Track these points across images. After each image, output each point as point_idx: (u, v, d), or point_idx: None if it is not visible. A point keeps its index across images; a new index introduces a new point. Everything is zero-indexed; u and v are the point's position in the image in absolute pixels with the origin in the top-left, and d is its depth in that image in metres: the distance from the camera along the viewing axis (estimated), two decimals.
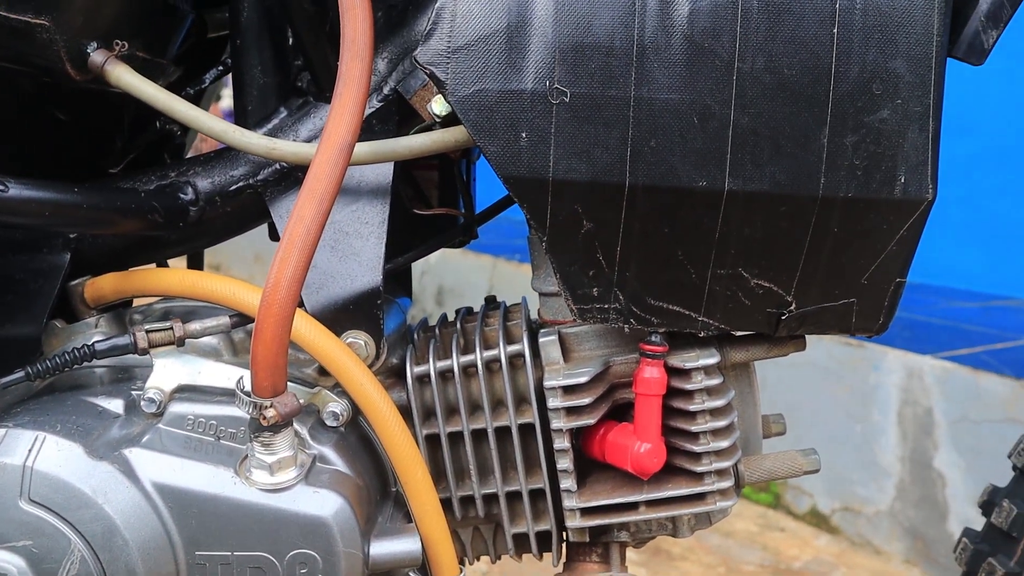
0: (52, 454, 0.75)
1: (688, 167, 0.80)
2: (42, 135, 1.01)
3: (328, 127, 0.78)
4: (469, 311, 1.03)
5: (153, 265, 1.02)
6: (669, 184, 0.81)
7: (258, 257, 4.59)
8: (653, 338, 0.88)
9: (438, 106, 0.88)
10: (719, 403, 0.90)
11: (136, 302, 0.99)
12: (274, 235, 1.08)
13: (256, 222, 0.98)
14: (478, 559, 0.99)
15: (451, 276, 3.64)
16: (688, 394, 0.89)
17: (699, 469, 0.90)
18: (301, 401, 0.78)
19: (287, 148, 0.87)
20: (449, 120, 0.87)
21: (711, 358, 0.89)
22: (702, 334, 0.88)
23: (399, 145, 0.88)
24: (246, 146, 0.87)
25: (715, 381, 0.89)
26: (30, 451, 0.75)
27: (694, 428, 0.89)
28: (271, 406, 0.75)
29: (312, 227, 0.76)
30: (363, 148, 0.85)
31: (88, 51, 0.87)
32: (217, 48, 1.12)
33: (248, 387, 0.76)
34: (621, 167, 0.81)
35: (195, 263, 1.16)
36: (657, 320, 0.87)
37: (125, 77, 0.87)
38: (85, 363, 0.84)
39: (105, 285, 0.92)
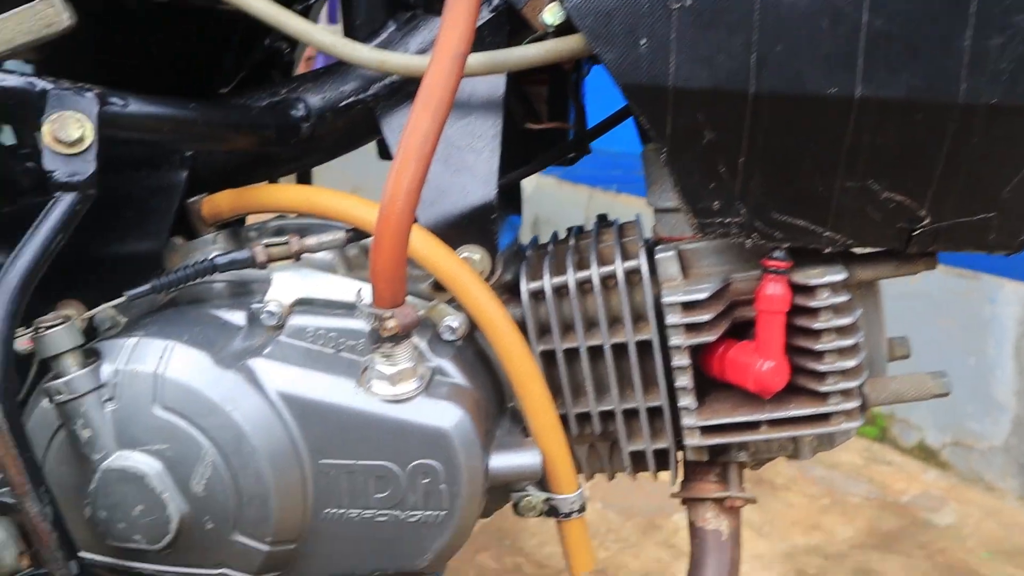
0: (181, 362, 0.77)
1: (817, 73, 0.76)
2: (154, 57, 1.02)
3: (441, 37, 0.76)
4: (581, 229, 1.01)
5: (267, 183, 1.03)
6: (796, 91, 0.77)
7: (356, 189, 4.62)
8: (776, 253, 0.85)
9: (550, 15, 0.85)
10: (845, 321, 0.86)
11: (249, 220, 1.00)
12: (383, 153, 1.07)
13: (366, 139, 0.97)
14: (593, 477, 0.99)
15: (547, 206, 3.61)
16: (813, 312, 0.86)
17: (823, 389, 0.87)
18: (420, 313, 0.77)
19: (398, 60, 0.86)
20: (561, 30, 0.84)
21: (838, 275, 0.86)
22: (828, 250, 0.84)
23: (512, 55, 0.86)
24: (356, 59, 0.86)
25: (841, 299, 0.86)
26: (160, 359, 0.77)
27: (819, 347, 0.86)
28: (391, 317, 0.75)
29: (428, 137, 0.74)
30: (476, 58, 0.84)
31: None
32: None
33: (368, 299, 0.76)
34: (745, 74, 0.78)
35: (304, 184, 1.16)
36: (781, 234, 0.84)
37: None
38: (206, 277, 0.85)
39: (222, 202, 0.92)
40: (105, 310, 0.84)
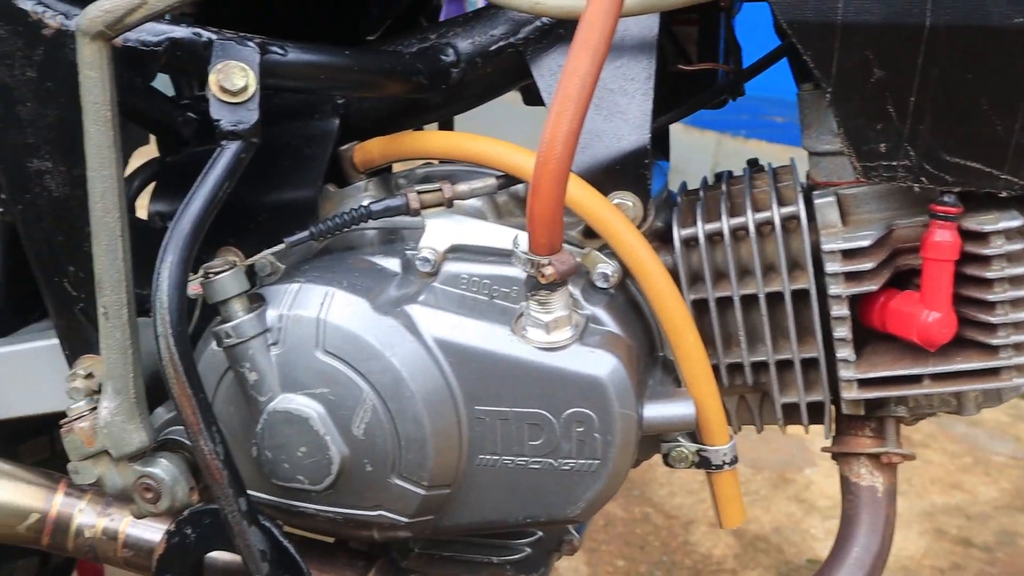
0: (342, 308, 0.78)
1: (1000, 2, 0.71)
2: (300, 4, 1.03)
3: None
4: (731, 174, 0.98)
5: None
6: (976, 22, 0.72)
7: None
8: (946, 198, 0.81)
9: None
10: (1020, 271, 0.81)
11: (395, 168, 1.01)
12: (529, 99, 1.06)
13: (514, 84, 0.96)
14: (740, 429, 0.97)
15: (674, 153, 3.54)
16: (985, 260, 0.82)
17: (994, 342, 0.83)
18: (577, 260, 0.77)
19: (552, 2, 0.84)
20: None
21: (1013, 220, 0.81)
22: (1003, 194, 0.79)
23: None
24: (509, 2, 0.85)
25: (1017, 246, 0.81)
26: (322, 304, 0.78)
27: (991, 297, 0.82)
28: (549, 263, 0.75)
29: (587, 80, 0.73)
30: None
31: None
32: None
33: (524, 246, 0.76)
34: (920, 6, 0.73)
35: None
36: (952, 178, 0.79)
37: None
38: (361, 223, 0.86)
39: (374, 149, 0.93)
40: (265, 256, 0.85)
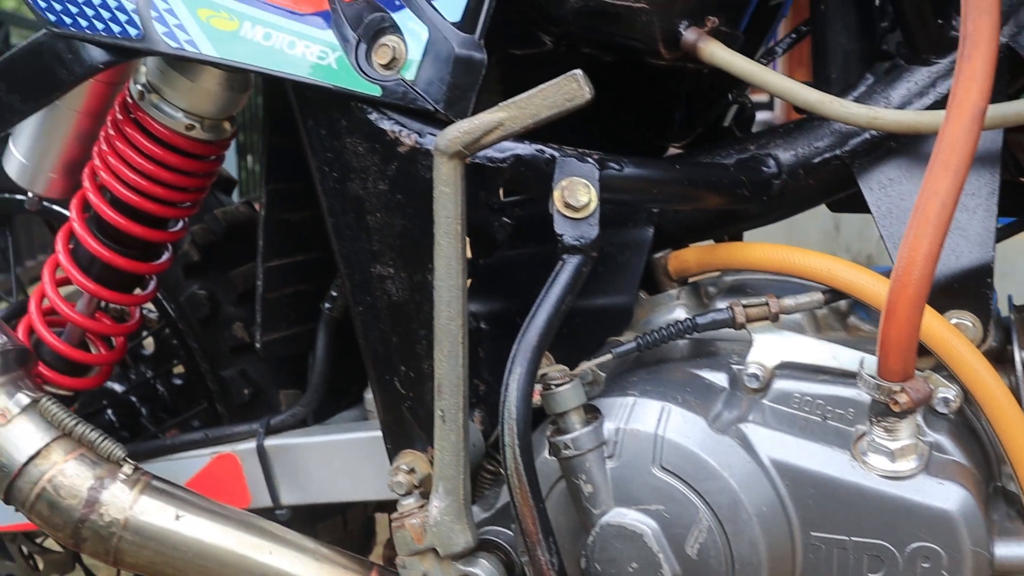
0: (679, 424, 0.78)
1: None
2: (606, 114, 1.06)
3: (958, 92, 0.72)
4: None
5: (719, 238, 1.03)
6: None
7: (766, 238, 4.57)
8: None
9: None
10: None
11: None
12: (835, 206, 1.04)
13: (834, 194, 0.94)
14: None
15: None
16: None
17: None
18: (931, 387, 0.73)
19: (891, 116, 0.82)
20: None
21: None
22: None
23: None
24: (845, 116, 0.84)
25: None
26: (659, 420, 0.78)
27: None
28: (902, 390, 0.72)
29: (947, 202, 0.70)
30: (990, 112, 0.78)
31: (680, 30, 0.88)
32: (771, 14, 1.10)
33: (872, 370, 0.73)
34: None
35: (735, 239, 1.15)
36: None
37: (719, 53, 0.87)
38: (687, 336, 0.86)
39: (690, 258, 0.93)
40: (589, 366, 0.86)
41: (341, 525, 1.27)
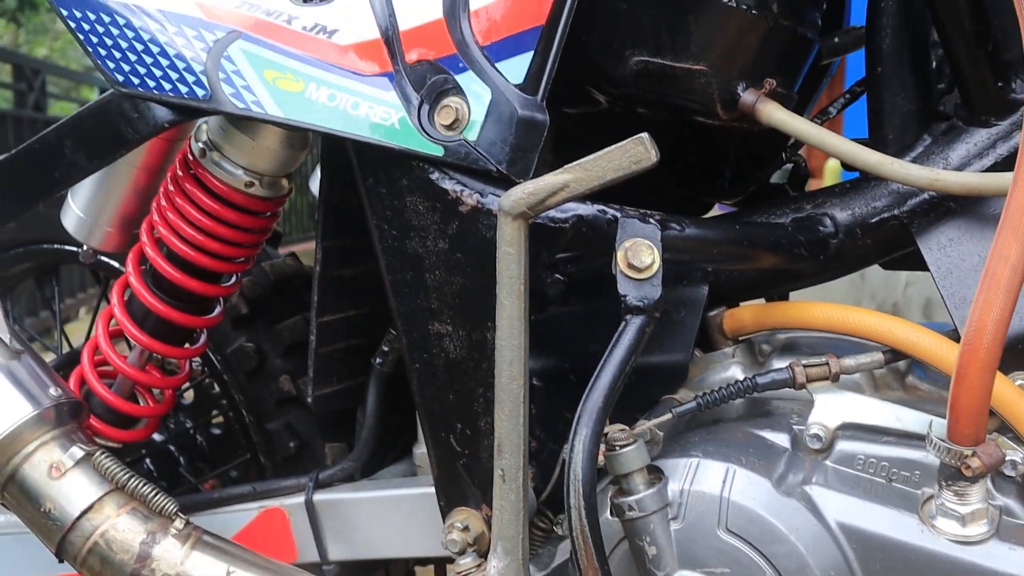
0: (744, 486, 0.78)
1: None
2: (655, 172, 1.07)
3: None
4: None
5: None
6: None
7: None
8: None
9: None
10: None
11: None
12: (892, 265, 1.04)
13: (892, 253, 0.94)
14: None
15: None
16: None
17: None
18: (1004, 452, 0.73)
19: (953, 179, 0.83)
20: None
21: None
22: None
23: None
24: (905, 178, 0.84)
25: None
26: (724, 482, 0.78)
27: None
28: (974, 455, 0.71)
29: (1018, 266, 0.70)
30: None
31: (739, 91, 0.89)
32: (821, 73, 1.11)
33: (940, 432, 0.73)
34: None
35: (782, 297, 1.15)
36: None
37: (776, 115, 0.88)
38: (746, 395, 0.86)
39: (746, 317, 0.94)
40: (649, 426, 0.86)
41: None
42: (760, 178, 1.08)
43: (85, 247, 1.17)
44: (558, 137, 0.98)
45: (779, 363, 0.91)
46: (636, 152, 0.76)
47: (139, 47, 0.91)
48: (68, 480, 1.00)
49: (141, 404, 1.16)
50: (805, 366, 0.85)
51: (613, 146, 0.76)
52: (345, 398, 1.10)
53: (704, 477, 0.79)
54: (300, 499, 1.09)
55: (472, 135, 0.85)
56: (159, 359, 1.19)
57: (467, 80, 0.85)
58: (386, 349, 1.08)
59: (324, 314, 1.05)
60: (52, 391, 1.03)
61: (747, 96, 0.89)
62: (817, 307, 0.90)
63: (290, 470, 1.23)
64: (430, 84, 0.86)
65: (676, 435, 0.88)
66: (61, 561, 1.17)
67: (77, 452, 1.01)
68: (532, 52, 0.84)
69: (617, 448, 0.79)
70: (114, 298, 1.09)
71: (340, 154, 0.95)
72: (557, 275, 1.03)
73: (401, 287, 0.90)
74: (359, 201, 0.92)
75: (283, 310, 1.26)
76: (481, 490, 0.93)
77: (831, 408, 0.84)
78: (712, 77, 0.89)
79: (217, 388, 1.43)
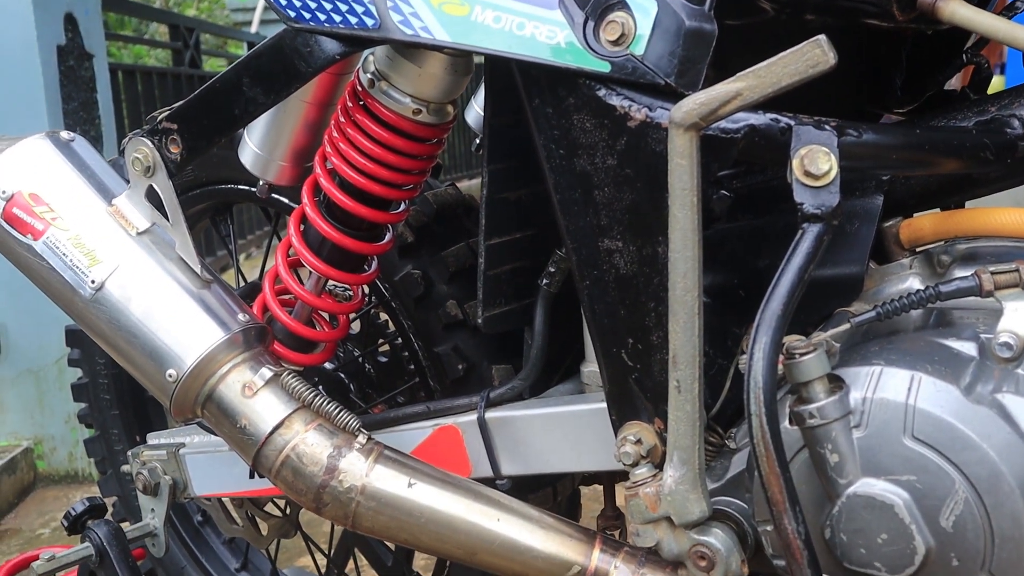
0: (931, 393, 0.76)
1: None
2: (820, 83, 1.04)
3: None
4: None
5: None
6: None
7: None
8: None
9: None
10: None
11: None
12: None
13: None
14: None
15: None
16: None
17: None
18: None
19: None
20: None
21: None
22: None
23: None
24: None
25: None
26: (909, 389, 0.77)
27: None
28: None
29: None
30: None
31: None
32: None
33: None
34: None
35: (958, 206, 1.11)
36: None
37: (960, 11, 0.84)
38: (929, 304, 0.83)
39: (925, 225, 0.91)
40: (827, 336, 0.85)
41: (551, 496, 1.30)
42: (937, 83, 1.03)
43: (261, 182, 1.22)
44: (716, 52, 0.97)
45: (961, 272, 0.88)
46: (813, 55, 0.74)
47: None
48: (260, 398, 1.06)
49: (319, 330, 1.22)
50: (993, 273, 0.82)
51: (788, 51, 0.75)
52: (513, 319, 1.13)
53: (888, 385, 0.78)
54: (473, 417, 1.13)
55: (639, 49, 0.85)
56: (333, 288, 1.25)
57: None
58: (552, 270, 1.09)
59: (492, 237, 1.07)
60: (240, 317, 1.09)
61: None
62: (1005, 212, 0.86)
63: (459, 392, 1.27)
64: (594, 0, 0.86)
65: (854, 346, 0.86)
66: (252, 477, 1.26)
67: (267, 372, 1.07)
68: None
69: (797, 356, 0.79)
70: (291, 228, 1.14)
71: (505, 77, 0.96)
72: (723, 191, 1.02)
73: (570, 205, 0.92)
74: (524, 123, 0.93)
75: (446, 238, 1.30)
76: (653, 404, 0.94)
77: (1022, 316, 0.81)
78: None
79: (383, 317, 1.49)
